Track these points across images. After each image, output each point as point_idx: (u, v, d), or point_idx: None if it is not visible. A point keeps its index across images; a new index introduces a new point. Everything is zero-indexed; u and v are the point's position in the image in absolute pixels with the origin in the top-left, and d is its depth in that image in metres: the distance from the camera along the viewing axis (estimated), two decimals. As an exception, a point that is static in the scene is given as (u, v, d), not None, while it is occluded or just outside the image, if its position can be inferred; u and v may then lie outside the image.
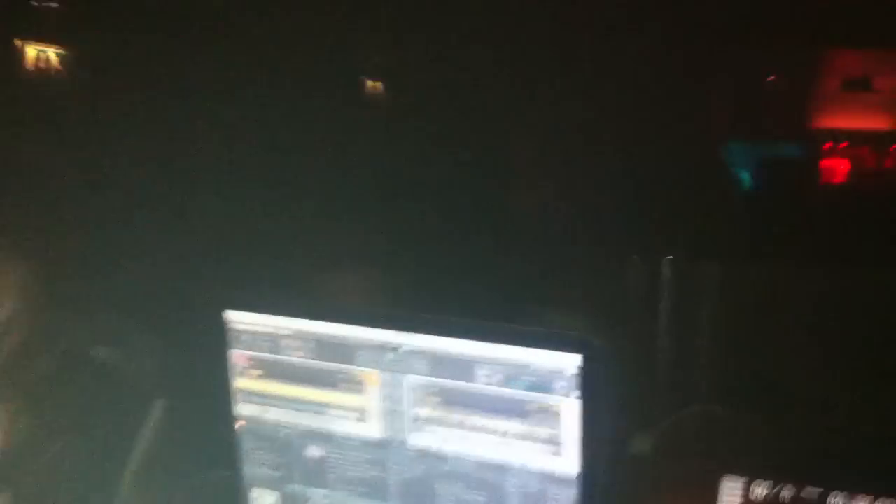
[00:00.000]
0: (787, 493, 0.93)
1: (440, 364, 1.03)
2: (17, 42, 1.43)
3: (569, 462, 1.00)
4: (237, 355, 1.12)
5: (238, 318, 1.10)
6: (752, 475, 0.93)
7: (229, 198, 1.26)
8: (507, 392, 1.01)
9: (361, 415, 1.08)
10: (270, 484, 1.14)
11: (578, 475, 0.99)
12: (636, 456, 1.02)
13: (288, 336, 1.09)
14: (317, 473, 1.11)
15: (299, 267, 1.23)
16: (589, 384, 0.97)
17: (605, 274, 1.14)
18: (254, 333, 1.10)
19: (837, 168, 1.65)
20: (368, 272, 1.22)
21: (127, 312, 1.12)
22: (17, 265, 0.76)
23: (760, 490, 0.94)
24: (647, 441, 1.02)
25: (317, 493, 1.12)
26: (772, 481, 0.93)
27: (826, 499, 0.91)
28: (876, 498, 0.90)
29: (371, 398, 1.07)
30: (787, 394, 1.04)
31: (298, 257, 1.28)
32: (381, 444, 1.08)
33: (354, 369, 1.07)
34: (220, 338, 1.10)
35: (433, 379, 1.03)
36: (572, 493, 1.00)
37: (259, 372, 1.12)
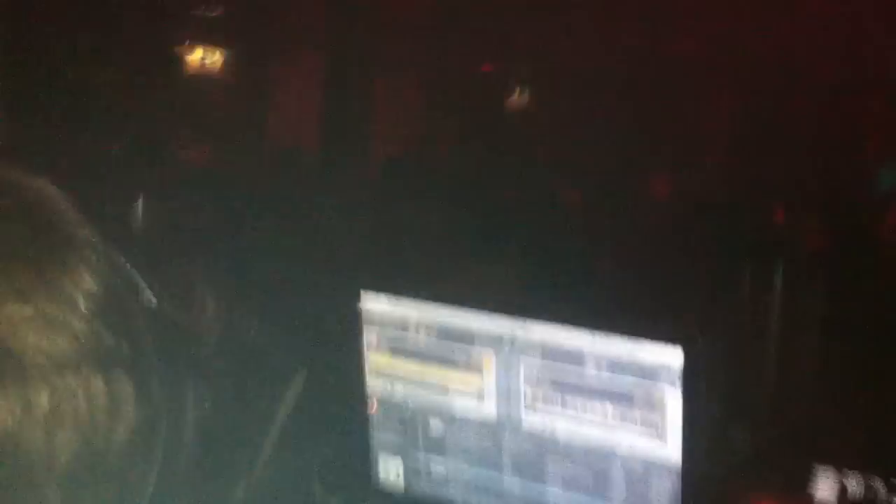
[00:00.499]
0: (878, 485, 0.98)
1: (553, 350, 1.12)
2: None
3: (672, 451, 1.07)
4: (370, 333, 1.23)
5: (372, 300, 1.22)
6: (845, 468, 0.99)
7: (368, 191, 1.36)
8: (616, 379, 1.09)
9: (479, 393, 1.18)
10: (395, 452, 1.25)
11: (681, 464, 1.06)
12: (735, 447, 1.08)
13: (416, 318, 1.20)
14: (437, 444, 1.22)
15: (432, 256, 1.33)
16: (692, 376, 1.04)
17: (714, 274, 1.20)
18: (386, 315, 1.22)
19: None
20: (493, 265, 1.31)
21: (272, 294, 1.24)
22: (198, 267, 0.87)
23: (853, 483, 1.00)
24: (745, 432, 1.09)
25: (436, 461, 1.22)
26: (863, 474, 0.98)
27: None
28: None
29: (488, 379, 1.17)
30: (880, 394, 1.08)
31: (430, 247, 1.38)
32: (497, 423, 1.18)
33: (474, 350, 1.17)
34: (355, 318, 1.22)
35: (546, 362, 1.12)
36: (674, 481, 1.07)
37: (388, 350, 1.23)
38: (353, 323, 1.21)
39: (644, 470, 1.09)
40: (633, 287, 1.15)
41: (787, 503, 1.01)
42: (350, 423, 1.26)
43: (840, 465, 1.00)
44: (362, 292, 1.22)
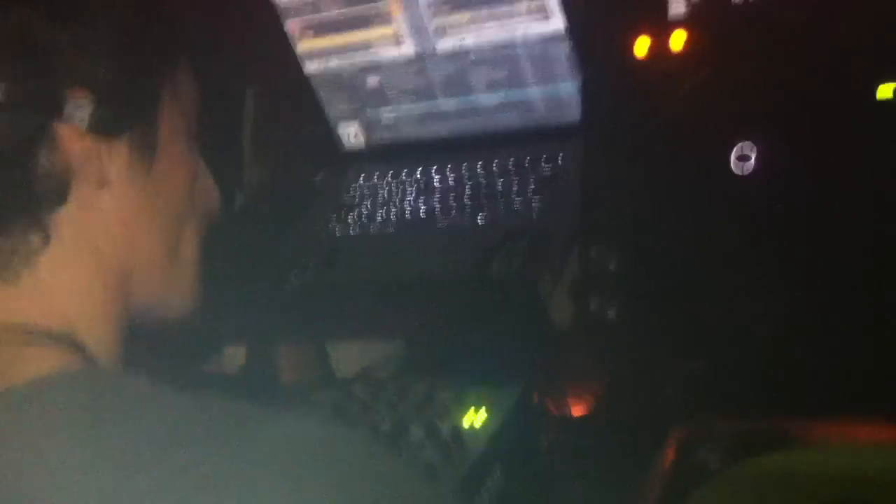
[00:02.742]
0: None
1: (439, -22, 1.30)
2: None
3: (557, 22, 1.28)
4: (291, 25, 1.42)
5: (280, -4, 1.40)
6: None
7: None
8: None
9: (396, 39, 1.38)
10: (349, 115, 1.47)
11: (566, 28, 1.27)
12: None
13: (321, -4, 1.38)
14: (379, 95, 1.43)
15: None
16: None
17: None
18: (297, 3, 1.40)
19: None
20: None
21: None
22: None
23: None
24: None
25: (385, 110, 1.44)
26: None
27: None
28: None
29: (399, 24, 1.36)
30: None
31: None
32: (418, 58, 1.38)
33: (380, 4, 1.35)
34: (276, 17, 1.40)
35: (439, -8, 1.31)
36: (564, 45, 1.28)
37: (311, 32, 1.42)
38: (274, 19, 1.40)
39: (542, 46, 1.30)
40: None
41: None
42: (302, 111, 1.47)
43: None
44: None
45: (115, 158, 0.64)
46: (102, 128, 0.62)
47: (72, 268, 0.63)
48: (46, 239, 0.61)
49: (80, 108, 0.61)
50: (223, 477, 0.52)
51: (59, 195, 0.61)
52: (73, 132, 0.61)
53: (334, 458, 0.56)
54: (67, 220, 0.62)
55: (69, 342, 0.61)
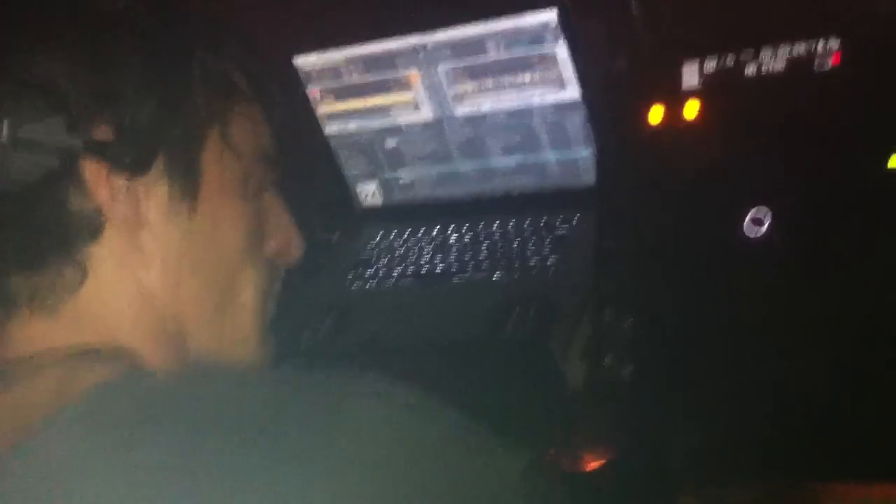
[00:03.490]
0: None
1: (459, 47, 1.34)
2: None
3: (571, 92, 1.32)
4: (313, 90, 1.46)
5: (305, 59, 1.44)
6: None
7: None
8: (514, 53, 1.32)
9: (415, 105, 1.42)
10: (368, 176, 1.51)
11: (581, 97, 1.31)
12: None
13: (343, 62, 1.42)
14: (397, 157, 1.47)
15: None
16: (569, 29, 1.27)
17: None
18: (320, 68, 1.44)
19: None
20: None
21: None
22: None
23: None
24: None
25: (403, 171, 1.48)
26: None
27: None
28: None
29: (418, 91, 1.40)
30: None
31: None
32: (435, 123, 1.42)
33: (399, 71, 1.40)
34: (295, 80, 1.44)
35: (457, 59, 1.36)
36: (579, 113, 1.32)
37: (332, 97, 1.46)
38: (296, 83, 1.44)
39: (557, 115, 1.34)
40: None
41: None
42: (324, 169, 1.51)
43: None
44: (295, 56, 1.44)
45: (152, 198, 0.64)
46: (127, 165, 0.62)
47: (113, 297, 0.63)
48: (83, 274, 0.62)
49: (103, 146, 0.61)
50: (272, 492, 0.52)
51: (92, 232, 0.62)
52: (98, 170, 0.61)
53: None
54: (104, 256, 0.63)
55: (118, 354, 0.62)
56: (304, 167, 1.53)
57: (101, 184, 0.62)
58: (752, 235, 1.12)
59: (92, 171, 0.61)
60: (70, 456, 0.54)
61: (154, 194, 0.65)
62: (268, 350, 0.75)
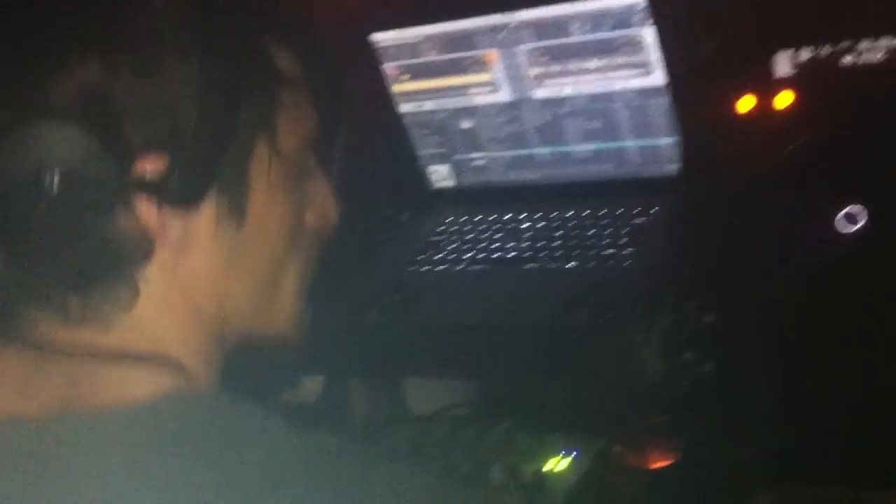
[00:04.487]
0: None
1: (541, 27, 1.31)
2: None
3: (657, 77, 1.28)
4: (389, 67, 1.44)
5: (384, 36, 1.42)
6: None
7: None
8: (598, 35, 1.29)
9: (493, 86, 1.39)
10: (441, 159, 1.48)
11: (667, 84, 1.28)
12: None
13: (422, 39, 1.40)
14: (472, 139, 1.44)
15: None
16: (657, 12, 1.24)
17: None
18: (398, 45, 1.42)
19: None
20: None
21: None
22: None
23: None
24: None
25: (475, 154, 1.45)
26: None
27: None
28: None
29: (497, 71, 1.38)
30: None
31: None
32: (513, 105, 1.39)
33: (478, 51, 1.37)
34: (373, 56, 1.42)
35: (539, 41, 1.33)
36: (664, 100, 1.29)
37: (408, 76, 1.44)
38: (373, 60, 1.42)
39: (640, 100, 1.30)
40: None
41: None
42: (398, 149, 1.49)
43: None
44: (372, 33, 1.42)
45: (200, 222, 0.64)
46: (178, 198, 0.62)
47: (165, 313, 0.64)
48: (136, 292, 0.62)
49: (153, 178, 0.61)
50: None
51: (142, 255, 0.62)
52: (147, 202, 0.61)
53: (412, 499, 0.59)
54: (155, 276, 0.63)
55: (169, 367, 0.62)
56: (378, 146, 1.52)
57: (152, 215, 0.62)
58: (844, 231, 1.08)
59: (140, 202, 0.61)
60: (98, 458, 0.57)
61: (201, 218, 0.64)
62: (308, 327, 0.75)
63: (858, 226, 1.06)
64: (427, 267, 1.39)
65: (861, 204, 1.05)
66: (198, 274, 0.65)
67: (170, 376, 0.62)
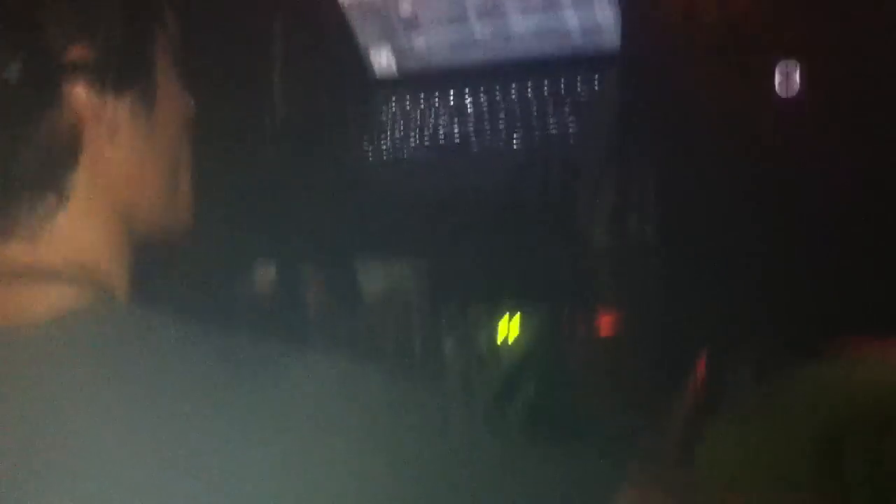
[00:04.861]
0: None
1: None
2: None
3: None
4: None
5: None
6: None
7: None
8: None
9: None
10: (381, 43, 1.47)
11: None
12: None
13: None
14: (412, 22, 1.43)
15: None
16: None
17: None
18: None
19: None
20: None
21: None
22: None
23: None
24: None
25: (417, 37, 1.44)
26: None
27: None
28: None
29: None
30: None
31: None
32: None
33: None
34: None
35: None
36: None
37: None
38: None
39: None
40: None
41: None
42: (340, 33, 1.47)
43: None
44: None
45: (121, 110, 0.64)
46: (107, 82, 0.62)
47: (87, 219, 0.64)
48: (63, 197, 0.62)
49: (83, 65, 0.61)
50: (249, 413, 0.55)
51: (71, 152, 0.62)
52: (78, 89, 0.61)
53: (363, 393, 0.59)
54: (81, 177, 0.63)
55: (86, 282, 0.62)
56: (316, 36, 1.50)
57: (81, 102, 0.62)
58: (781, 93, 1.10)
59: (72, 90, 0.61)
60: (33, 372, 0.56)
61: (122, 106, 0.65)
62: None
63: (795, 86, 1.08)
64: (375, 152, 1.39)
65: (797, 60, 1.07)
66: (116, 173, 0.65)
67: (85, 289, 0.62)
